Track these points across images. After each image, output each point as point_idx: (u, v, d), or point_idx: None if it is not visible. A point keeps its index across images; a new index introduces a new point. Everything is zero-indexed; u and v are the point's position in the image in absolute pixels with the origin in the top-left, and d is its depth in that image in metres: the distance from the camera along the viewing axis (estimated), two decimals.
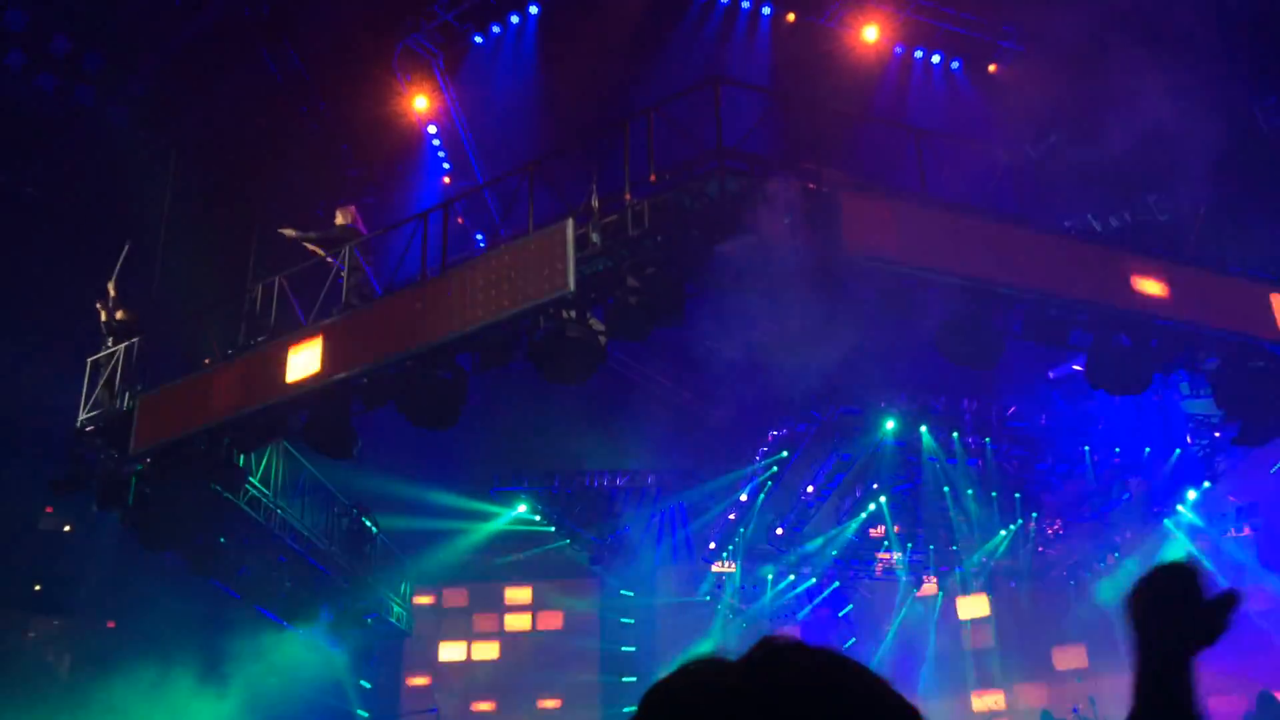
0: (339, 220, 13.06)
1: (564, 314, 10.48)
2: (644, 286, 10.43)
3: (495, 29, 18.22)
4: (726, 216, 10.43)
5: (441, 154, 19.46)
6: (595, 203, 10.72)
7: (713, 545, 22.41)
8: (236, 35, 17.03)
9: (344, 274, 12.06)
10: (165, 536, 12.78)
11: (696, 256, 10.69)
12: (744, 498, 21.39)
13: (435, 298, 11.02)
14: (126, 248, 13.78)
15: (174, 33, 17.02)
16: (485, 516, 22.32)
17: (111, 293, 13.51)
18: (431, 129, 19.26)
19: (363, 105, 18.45)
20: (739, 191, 10.49)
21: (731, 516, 21.83)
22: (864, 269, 10.43)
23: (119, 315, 13.31)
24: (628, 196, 10.76)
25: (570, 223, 10.55)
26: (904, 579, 22.79)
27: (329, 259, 12.40)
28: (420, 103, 18.69)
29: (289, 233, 12.76)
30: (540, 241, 10.65)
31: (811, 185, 10.59)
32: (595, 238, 10.61)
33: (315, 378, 11.28)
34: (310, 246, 12.73)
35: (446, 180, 19.36)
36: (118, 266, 13.58)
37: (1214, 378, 12.45)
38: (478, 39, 18.38)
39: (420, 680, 23.35)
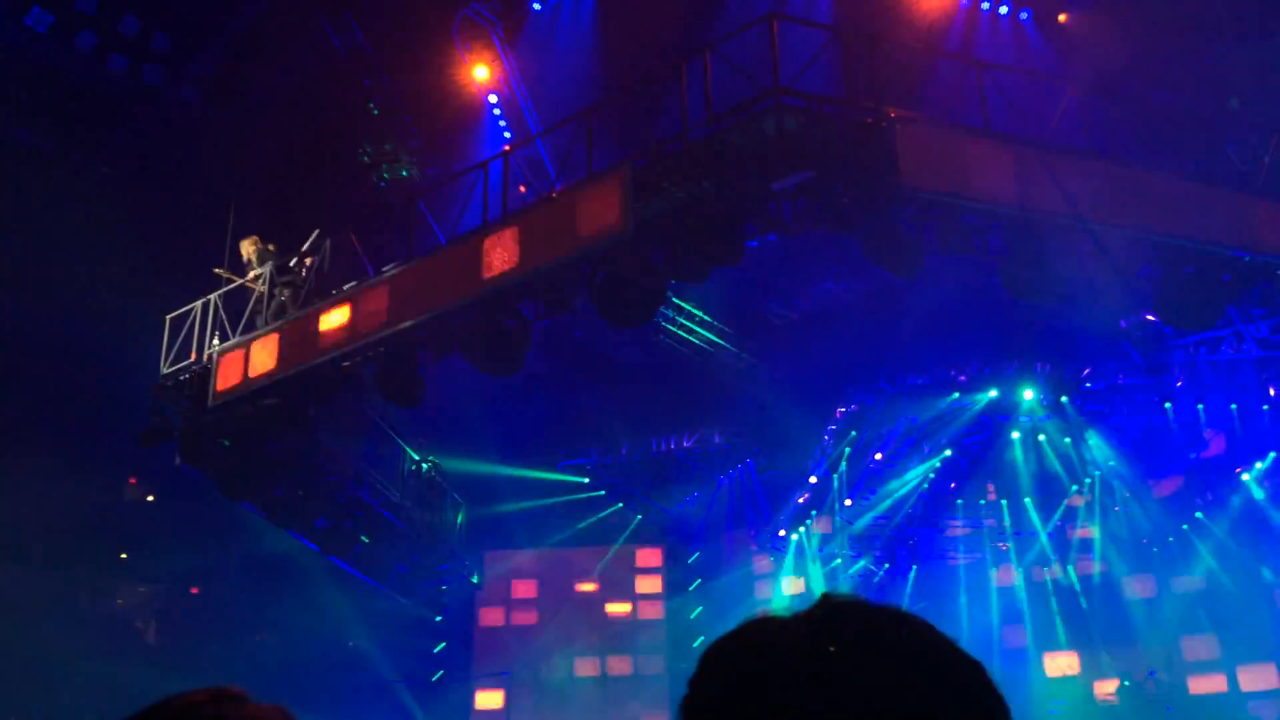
0: (245, 252, 13.81)
1: (624, 256, 10.53)
2: (702, 227, 10.45)
3: None
4: (784, 154, 10.39)
5: (503, 123, 19.61)
6: (653, 144, 10.76)
7: (782, 533, 22.29)
8: (299, 9, 17.35)
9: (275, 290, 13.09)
10: (243, 487, 13.16)
11: (755, 195, 10.69)
12: (813, 480, 21.20)
13: (496, 245, 11.15)
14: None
15: (238, 9, 17.37)
16: (552, 488, 22.28)
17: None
18: (492, 98, 19.41)
19: (424, 76, 18.65)
20: (796, 129, 10.44)
21: (801, 500, 21.68)
22: (920, 203, 10.31)
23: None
24: (684, 138, 10.77)
25: (628, 165, 10.60)
26: (987, 546, 22.34)
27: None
28: (481, 72, 18.83)
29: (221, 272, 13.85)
30: (598, 185, 10.72)
31: (869, 120, 10.50)
32: (653, 179, 10.64)
33: (382, 326, 11.51)
34: (236, 277, 13.73)
35: (508, 149, 19.47)
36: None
37: None
38: (536, 6, 18.52)
39: (494, 618, 23.15)
